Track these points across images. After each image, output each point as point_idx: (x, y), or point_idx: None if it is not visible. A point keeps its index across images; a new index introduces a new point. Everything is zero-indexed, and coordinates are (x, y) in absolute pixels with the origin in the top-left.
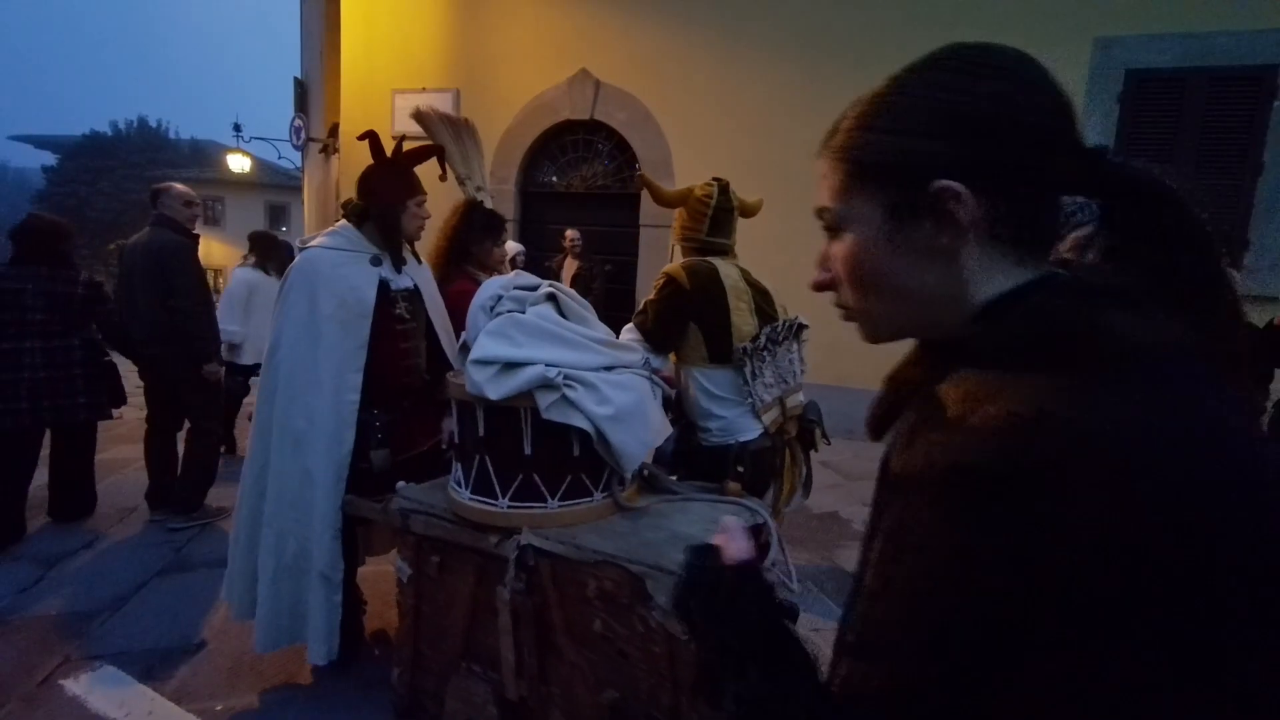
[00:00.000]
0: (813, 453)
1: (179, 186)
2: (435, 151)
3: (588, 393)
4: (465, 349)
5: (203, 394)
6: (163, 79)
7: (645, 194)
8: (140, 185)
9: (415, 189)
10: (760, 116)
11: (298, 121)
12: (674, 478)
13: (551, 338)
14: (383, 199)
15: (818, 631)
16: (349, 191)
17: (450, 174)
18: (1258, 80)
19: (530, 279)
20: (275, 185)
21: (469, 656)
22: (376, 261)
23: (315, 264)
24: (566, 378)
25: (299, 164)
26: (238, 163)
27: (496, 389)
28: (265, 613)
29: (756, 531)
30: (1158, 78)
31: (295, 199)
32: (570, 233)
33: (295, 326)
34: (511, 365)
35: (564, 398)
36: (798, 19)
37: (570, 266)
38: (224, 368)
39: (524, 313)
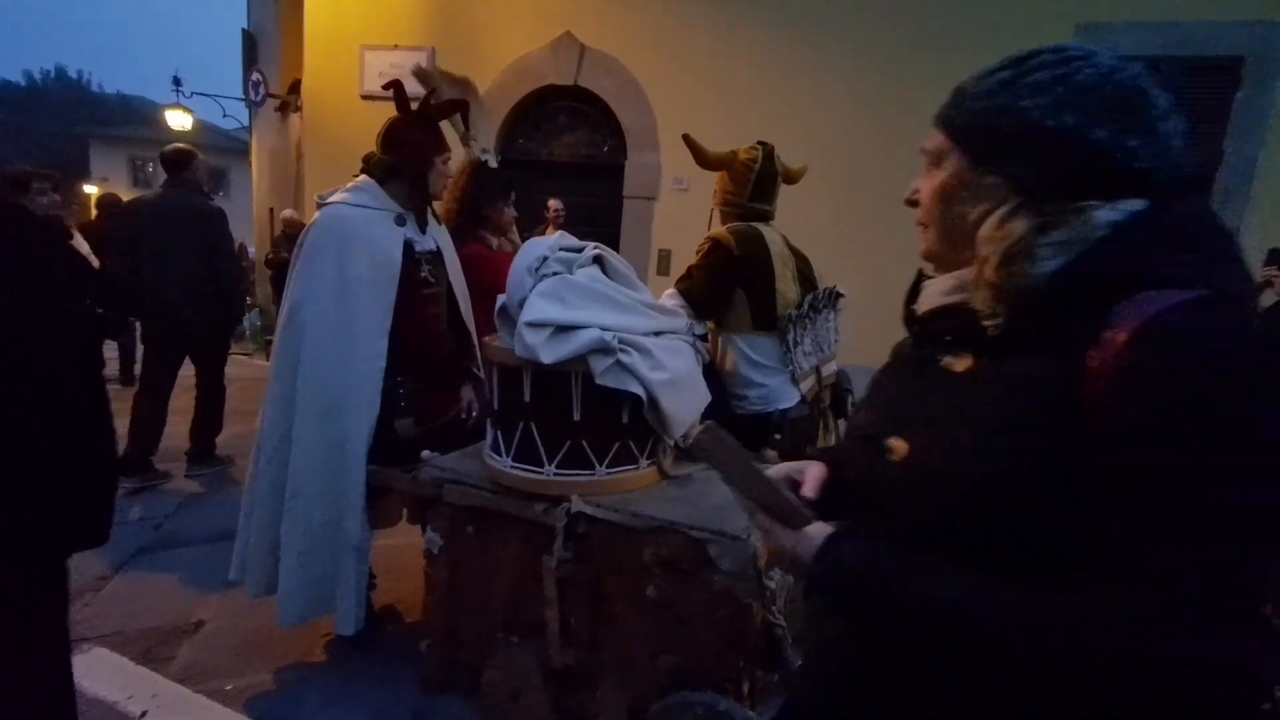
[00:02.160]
0: (842, 421)
1: (199, 155)
2: (462, 106)
3: (642, 358)
4: (504, 313)
5: (225, 352)
6: (79, 27)
7: (629, 166)
8: (70, 143)
9: (443, 145)
10: (753, 91)
11: (256, 76)
12: None
13: (604, 300)
14: (412, 155)
15: None
16: (313, 152)
17: (454, 133)
18: (1226, 70)
19: (573, 240)
20: (215, 147)
21: (509, 627)
22: (401, 221)
23: (343, 222)
24: (621, 342)
25: (244, 123)
26: (178, 120)
27: (551, 353)
28: (292, 587)
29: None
30: None
31: (236, 162)
32: (554, 203)
33: (323, 288)
34: (565, 328)
35: (619, 363)
36: None
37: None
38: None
39: (572, 274)
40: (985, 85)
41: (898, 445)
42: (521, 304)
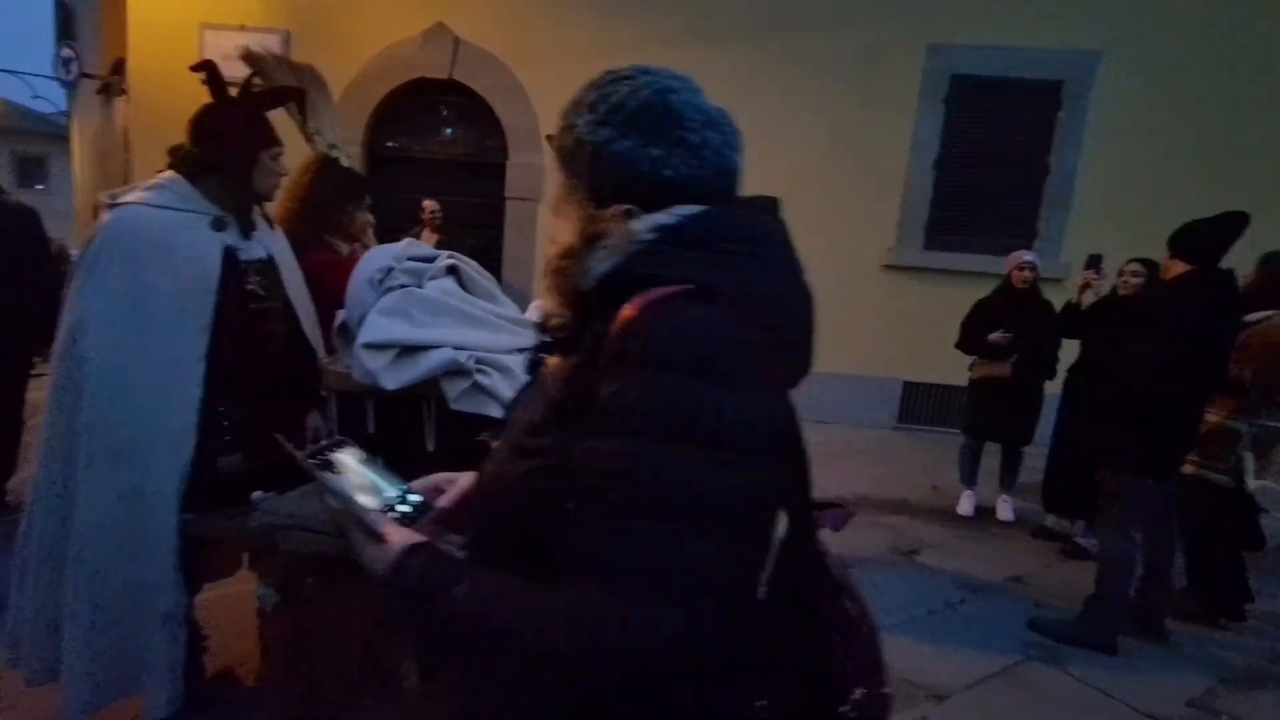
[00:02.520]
0: None
1: None
2: (295, 95)
3: (503, 378)
4: (344, 330)
5: (26, 374)
6: None
7: (510, 165)
8: None
9: (271, 139)
10: None
11: (67, 52)
12: None
13: (458, 315)
14: (230, 148)
15: None
16: (142, 141)
17: (294, 126)
18: (1049, 92)
19: (425, 249)
20: (26, 132)
21: (364, 686)
22: (219, 225)
23: (137, 227)
24: (479, 362)
25: (64, 107)
26: None
27: (395, 378)
28: (81, 669)
29: None
30: (976, 83)
31: (56, 149)
32: (429, 204)
33: (111, 308)
34: (412, 349)
35: (476, 385)
36: None
37: (429, 240)
38: None
39: (422, 287)
40: (565, 107)
41: (496, 448)
42: (361, 321)
